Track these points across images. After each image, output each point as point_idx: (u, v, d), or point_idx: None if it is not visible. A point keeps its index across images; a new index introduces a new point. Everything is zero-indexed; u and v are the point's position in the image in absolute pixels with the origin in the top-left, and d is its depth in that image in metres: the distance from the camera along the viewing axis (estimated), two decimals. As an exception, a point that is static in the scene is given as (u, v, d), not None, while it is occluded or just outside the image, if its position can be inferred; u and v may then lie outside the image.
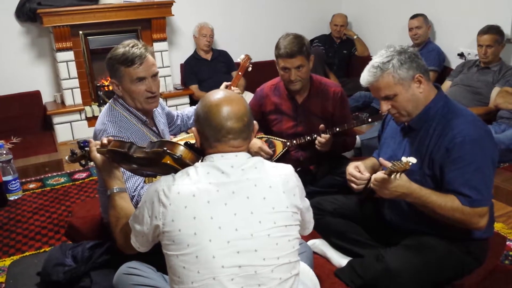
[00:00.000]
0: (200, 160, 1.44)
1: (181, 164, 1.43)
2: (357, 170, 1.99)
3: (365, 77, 1.83)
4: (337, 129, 2.54)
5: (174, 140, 2.20)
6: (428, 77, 1.84)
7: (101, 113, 2.10)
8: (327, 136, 2.50)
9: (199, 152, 1.46)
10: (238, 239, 1.31)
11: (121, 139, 1.94)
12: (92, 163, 1.71)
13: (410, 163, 1.58)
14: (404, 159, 1.59)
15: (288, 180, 1.41)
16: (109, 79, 2.03)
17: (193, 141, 1.49)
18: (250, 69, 2.66)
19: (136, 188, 1.91)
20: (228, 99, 1.40)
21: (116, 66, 1.97)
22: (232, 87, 2.46)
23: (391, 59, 1.78)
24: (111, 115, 2.04)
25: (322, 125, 2.52)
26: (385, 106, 1.85)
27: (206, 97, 1.43)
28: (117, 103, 2.08)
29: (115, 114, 2.05)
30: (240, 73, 2.60)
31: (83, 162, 1.77)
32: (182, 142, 1.46)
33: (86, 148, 1.70)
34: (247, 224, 1.32)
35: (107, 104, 2.10)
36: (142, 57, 1.97)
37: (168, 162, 1.43)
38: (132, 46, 1.97)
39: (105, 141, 1.62)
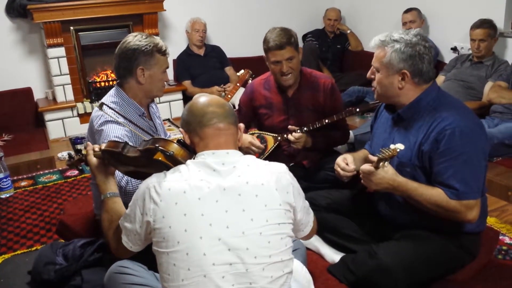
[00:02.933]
0: (192, 158, 1.44)
1: (173, 161, 1.43)
2: (345, 162, 2.01)
3: (375, 38, 1.88)
4: (313, 126, 2.53)
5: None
6: (421, 81, 1.81)
7: (104, 98, 2.12)
8: (297, 135, 2.51)
9: (191, 150, 1.46)
10: (229, 236, 1.30)
11: (118, 130, 1.97)
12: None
13: (398, 150, 1.62)
14: (392, 146, 1.63)
15: (281, 177, 1.40)
16: (137, 66, 2.03)
17: None
18: (250, 81, 2.74)
19: None
20: (207, 95, 1.49)
21: (154, 53, 2.05)
22: (229, 96, 2.52)
23: (397, 42, 1.79)
24: (116, 102, 2.07)
25: (290, 126, 2.55)
26: (369, 72, 1.92)
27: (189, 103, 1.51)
28: (118, 92, 2.10)
29: (121, 101, 2.08)
30: (238, 84, 2.67)
31: (80, 166, 1.79)
32: (175, 140, 1.47)
33: (83, 152, 1.72)
34: (238, 221, 1.32)
35: (109, 92, 2.14)
36: (167, 50, 2.13)
37: (160, 158, 1.43)
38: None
39: (98, 147, 1.65)
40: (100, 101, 2.04)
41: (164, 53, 2.09)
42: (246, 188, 1.34)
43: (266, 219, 1.34)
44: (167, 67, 2.15)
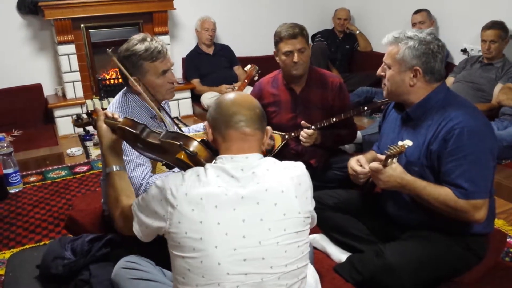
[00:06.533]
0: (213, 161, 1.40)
1: (194, 161, 1.39)
2: (359, 164, 1.99)
3: (388, 35, 1.88)
4: (325, 123, 2.53)
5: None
6: (432, 80, 1.82)
7: (112, 102, 2.09)
8: (309, 131, 2.51)
9: (214, 151, 1.42)
10: (245, 247, 1.27)
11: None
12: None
13: (406, 146, 1.63)
14: (400, 142, 1.64)
15: (301, 182, 1.37)
16: (131, 77, 1.97)
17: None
18: (256, 78, 2.73)
19: (144, 176, 1.91)
20: (240, 94, 1.44)
21: (140, 62, 1.97)
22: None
23: (411, 39, 1.80)
24: (122, 106, 2.03)
25: (303, 121, 2.55)
26: (379, 69, 1.92)
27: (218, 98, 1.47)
28: (128, 95, 2.07)
29: (127, 105, 2.04)
30: (246, 81, 2.67)
31: (87, 128, 1.72)
32: (198, 139, 1.42)
33: (93, 116, 1.64)
34: (255, 231, 1.29)
35: (119, 94, 2.10)
36: (164, 50, 2.01)
37: (182, 157, 1.39)
38: (151, 40, 1.99)
39: (113, 115, 1.60)
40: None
41: (154, 58, 1.97)
42: (265, 196, 1.31)
43: (284, 228, 1.31)
44: (167, 69, 2.03)
